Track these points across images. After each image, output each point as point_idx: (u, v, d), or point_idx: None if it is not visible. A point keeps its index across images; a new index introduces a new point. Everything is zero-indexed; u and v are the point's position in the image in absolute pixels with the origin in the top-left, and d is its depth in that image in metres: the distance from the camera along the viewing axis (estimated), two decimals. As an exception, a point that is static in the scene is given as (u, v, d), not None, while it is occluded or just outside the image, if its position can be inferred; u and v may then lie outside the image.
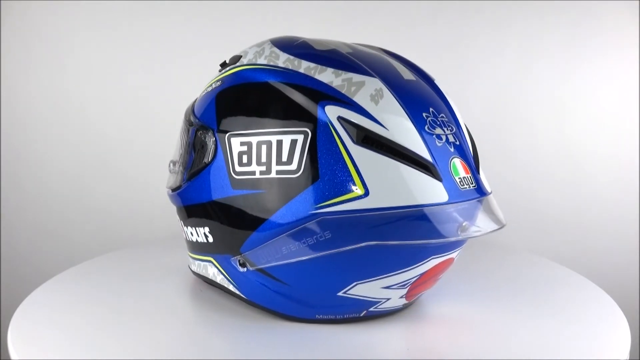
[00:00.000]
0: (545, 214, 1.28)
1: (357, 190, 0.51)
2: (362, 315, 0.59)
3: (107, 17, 1.22)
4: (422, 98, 0.57)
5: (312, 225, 0.53)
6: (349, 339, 0.56)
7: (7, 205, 1.24)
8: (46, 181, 1.25)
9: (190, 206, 0.64)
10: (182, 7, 1.22)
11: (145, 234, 1.23)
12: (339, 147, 0.52)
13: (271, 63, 0.59)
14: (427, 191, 0.52)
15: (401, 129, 0.53)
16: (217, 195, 0.59)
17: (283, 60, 0.58)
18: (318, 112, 0.53)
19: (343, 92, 0.54)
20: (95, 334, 0.57)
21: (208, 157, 0.60)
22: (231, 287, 0.63)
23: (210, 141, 0.60)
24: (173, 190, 0.68)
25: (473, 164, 0.57)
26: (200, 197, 0.62)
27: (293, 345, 0.55)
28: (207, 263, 0.65)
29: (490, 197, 0.58)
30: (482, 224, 0.56)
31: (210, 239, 0.62)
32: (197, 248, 0.66)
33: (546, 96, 1.27)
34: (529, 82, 1.27)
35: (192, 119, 0.65)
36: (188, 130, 0.66)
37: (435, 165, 0.53)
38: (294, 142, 0.54)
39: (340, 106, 0.53)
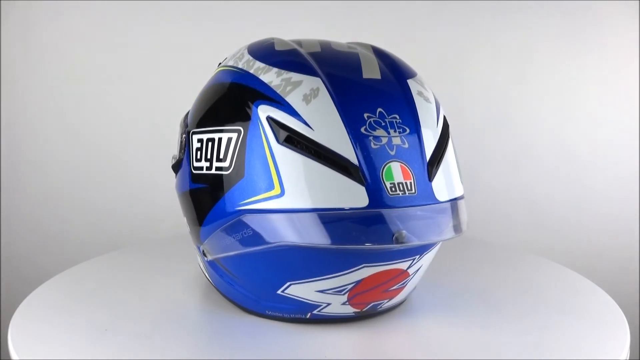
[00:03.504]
0: (545, 214, 1.28)
1: (274, 189, 0.51)
2: (307, 317, 0.58)
3: (107, 17, 1.22)
4: (372, 98, 0.54)
5: (237, 221, 0.54)
6: (289, 339, 0.56)
7: (7, 205, 1.24)
8: (46, 181, 1.25)
9: (178, 196, 0.67)
10: (183, 8, 1.22)
11: (146, 233, 1.23)
12: (264, 146, 0.53)
13: (235, 65, 0.60)
14: (344, 194, 0.50)
15: (327, 129, 0.51)
16: (183, 188, 0.63)
17: (243, 61, 0.59)
18: (252, 112, 0.54)
19: (278, 92, 0.54)
20: (95, 334, 0.57)
21: (182, 152, 0.64)
22: (207, 275, 0.66)
23: (183, 137, 0.64)
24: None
25: (425, 170, 0.53)
26: (177, 188, 0.66)
27: (237, 337, 0.56)
28: (196, 251, 0.67)
29: (447, 204, 0.54)
30: (427, 232, 0.52)
31: (188, 229, 0.65)
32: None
33: (546, 96, 1.27)
34: (529, 82, 1.27)
35: (184, 117, 0.68)
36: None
37: (360, 168, 0.50)
38: (229, 140, 0.55)
39: (272, 106, 0.53)
